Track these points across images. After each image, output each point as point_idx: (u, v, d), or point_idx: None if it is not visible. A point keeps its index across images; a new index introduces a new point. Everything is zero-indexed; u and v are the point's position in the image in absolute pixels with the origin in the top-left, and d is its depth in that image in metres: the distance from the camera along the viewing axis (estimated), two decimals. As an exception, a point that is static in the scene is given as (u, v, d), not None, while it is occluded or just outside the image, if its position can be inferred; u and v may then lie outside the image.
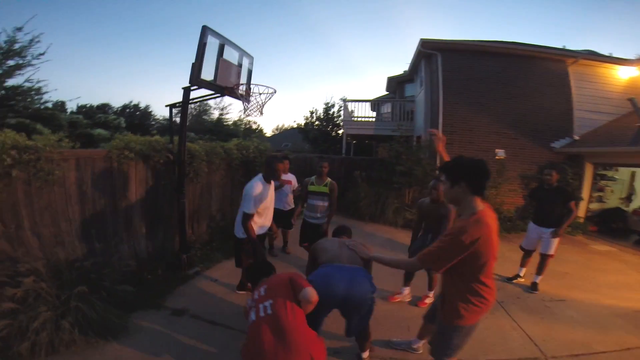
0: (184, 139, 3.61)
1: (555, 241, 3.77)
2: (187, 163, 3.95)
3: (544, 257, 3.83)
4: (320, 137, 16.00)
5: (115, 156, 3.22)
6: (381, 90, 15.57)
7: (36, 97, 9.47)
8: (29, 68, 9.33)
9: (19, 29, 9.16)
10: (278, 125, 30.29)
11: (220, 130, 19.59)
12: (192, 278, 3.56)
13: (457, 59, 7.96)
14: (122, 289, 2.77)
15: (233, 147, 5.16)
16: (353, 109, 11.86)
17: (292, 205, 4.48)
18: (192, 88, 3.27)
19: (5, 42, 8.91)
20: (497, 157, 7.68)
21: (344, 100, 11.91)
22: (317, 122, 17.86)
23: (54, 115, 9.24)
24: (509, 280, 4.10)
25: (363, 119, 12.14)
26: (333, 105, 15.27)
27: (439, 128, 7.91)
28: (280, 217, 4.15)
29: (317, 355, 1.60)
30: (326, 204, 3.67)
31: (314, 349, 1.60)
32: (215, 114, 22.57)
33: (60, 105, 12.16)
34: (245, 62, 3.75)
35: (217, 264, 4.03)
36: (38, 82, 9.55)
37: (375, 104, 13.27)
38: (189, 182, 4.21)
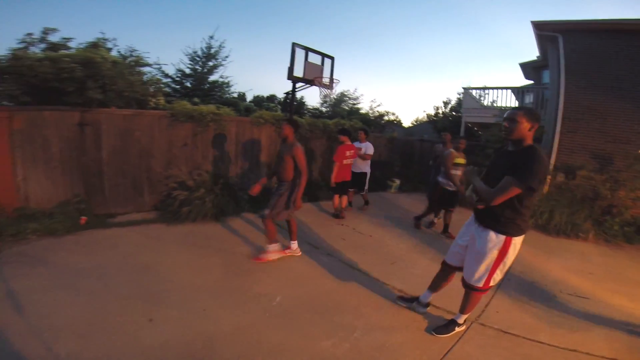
0: (291, 114, 5.79)
1: None
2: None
3: None
4: (450, 127, 15.80)
5: (255, 121, 5.74)
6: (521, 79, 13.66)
7: (226, 89, 14.21)
8: (220, 67, 13.58)
9: (211, 37, 12.98)
10: (418, 118, 30.35)
11: (353, 117, 22.12)
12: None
13: (584, 40, 7.05)
14: (240, 196, 5.20)
15: (331, 124, 7.07)
16: (495, 98, 11.26)
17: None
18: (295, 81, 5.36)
19: (206, 47, 13.07)
20: (640, 151, 6.37)
21: (465, 88, 11.73)
22: (451, 113, 17.50)
23: (237, 103, 13.82)
24: None
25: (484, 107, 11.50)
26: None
27: (559, 115, 7.27)
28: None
29: None
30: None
31: None
32: (360, 104, 25.46)
33: (242, 96, 17.32)
34: (328, 62, 5.53)
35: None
36: (227, 78, 14.10)
37: (519, 92, 12.07)
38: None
